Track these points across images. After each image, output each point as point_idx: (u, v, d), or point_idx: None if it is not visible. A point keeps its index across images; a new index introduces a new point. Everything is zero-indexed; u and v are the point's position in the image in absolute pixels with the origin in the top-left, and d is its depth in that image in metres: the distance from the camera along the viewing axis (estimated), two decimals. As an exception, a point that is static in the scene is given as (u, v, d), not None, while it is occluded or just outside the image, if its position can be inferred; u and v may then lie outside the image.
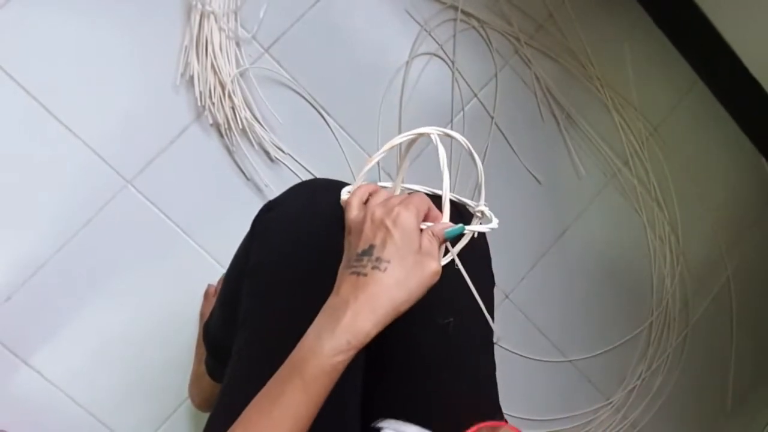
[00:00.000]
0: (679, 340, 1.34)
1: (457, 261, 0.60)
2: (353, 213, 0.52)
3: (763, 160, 1.39)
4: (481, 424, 0.56)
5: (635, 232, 1.30)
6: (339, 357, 0.46)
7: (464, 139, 0.56)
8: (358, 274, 0.49)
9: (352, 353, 0.47)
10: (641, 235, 1.30)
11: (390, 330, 0.60)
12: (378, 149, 1.10)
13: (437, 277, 0.50)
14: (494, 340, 0.66)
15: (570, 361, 1.25)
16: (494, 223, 0.57)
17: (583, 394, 1.27)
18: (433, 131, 0.54)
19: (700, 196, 1.35)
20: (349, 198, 0.54)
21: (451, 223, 0.52)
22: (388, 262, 0.48)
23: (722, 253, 1.37)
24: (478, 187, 0.58)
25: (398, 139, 0.55)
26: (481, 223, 0.57)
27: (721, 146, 1.37)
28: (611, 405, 1.29)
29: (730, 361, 1.40)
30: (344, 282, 0.49)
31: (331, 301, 0.49)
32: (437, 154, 0.54)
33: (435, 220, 0.53)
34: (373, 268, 0.48)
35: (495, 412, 0.62)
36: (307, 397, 0.46)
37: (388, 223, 0.49)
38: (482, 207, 0.58)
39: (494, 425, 0.57)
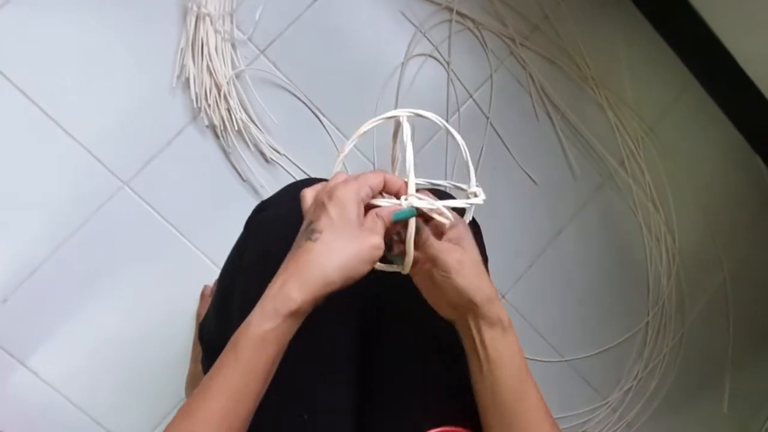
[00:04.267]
0: (676, 340, 1.34)
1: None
2: (306, 204, 0.52)
3: (759, 159, 1.39)
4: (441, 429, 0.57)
5: (631, 232, 1.30)
6: (266, 325, 0.46)
7: (438, 117, 0.55)
8: (295, 247, 0.49)
9: (280, 322, 0.47)
10: (637, 235, 1.31)
11: (382, 331, 0.61)
12: (373, 150, 1.11)
13: (378, 252, 0.49)
14: None
15: (566, 361, 1.26)
16: (477, 199, 0.55)
17: (580, 394, 1.27)
18: (403, 113, 0.54)
19: (696, 196, 1.35)
20: (303, 191, 0.53)
21: (398, 205, 0.51)
22: (320, 232, 0.48)
23: (718, 252, 1.38)
24: (465, 168, 0.57)
25: (367, 126, 0.54)
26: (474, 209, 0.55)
27: (717, 146, 1.37)
28: (608, 405, 1.29)
29: (727, 361, 1.40)
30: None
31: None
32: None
33: (399, 193, 0.52)
34: (306, 239, 0.48)
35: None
36: (238, 368, 0.46)
37: (324, 198, 0.49)
38: (474, 188, 0.56)
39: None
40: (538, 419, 0.54)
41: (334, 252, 0.48)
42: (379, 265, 0.53)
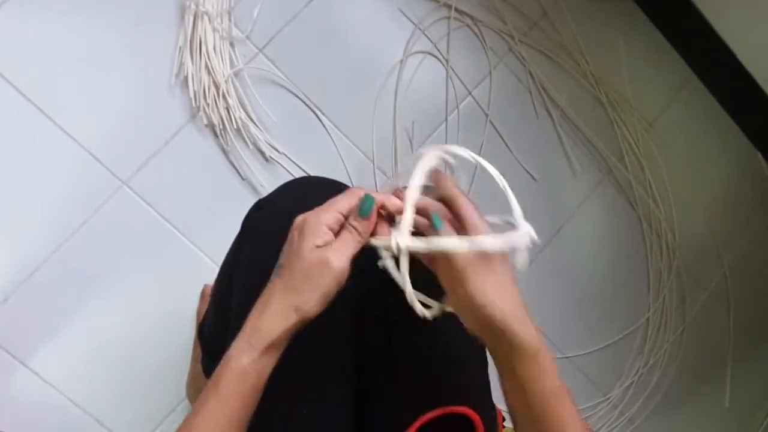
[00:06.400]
0: (676, 336, 1.34)
1: None
2: None
3: (759, 155, 1.39)
4: (438, 411, 0.56)
5: (631, 228, 1.30)
6: (243, 359, 0.47)
7: (468, 151, 0.54)
8: (269, 282, 0.50)
9: (257, 356, 0.47)
10: (637, 231, 1.31)
11: (378, 324, 0.61)
12: (372, 148, 1.11)
13: (341, 276, 0.48)
14: None
15: (567, 357, 1.26)
16: (491, 240, 0.50)
17: (581, 390, 1.27)
18: (434, 153, 0.52)
19: (696, 191, 1.35)
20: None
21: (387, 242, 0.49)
22: (283, 267, 0.49)
23: (718, 248, 1.38)
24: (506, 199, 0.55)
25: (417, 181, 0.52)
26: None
27: (717, 141, 1.37)
28: (609, 401, 1.29)
29: (728, 356, 1.40)
30: None
31: None
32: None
33: (397, 212, 0.51)
34: (275, 275, 0.50)
35: (482, 402, 0.62)
36: (219, 403, 0.47)
37: (291, 228, 0.50)
38: (521, 222, 0.52)
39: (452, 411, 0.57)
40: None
41: (296, 287, 0.48)
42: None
